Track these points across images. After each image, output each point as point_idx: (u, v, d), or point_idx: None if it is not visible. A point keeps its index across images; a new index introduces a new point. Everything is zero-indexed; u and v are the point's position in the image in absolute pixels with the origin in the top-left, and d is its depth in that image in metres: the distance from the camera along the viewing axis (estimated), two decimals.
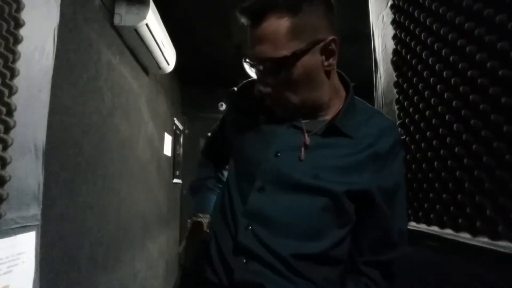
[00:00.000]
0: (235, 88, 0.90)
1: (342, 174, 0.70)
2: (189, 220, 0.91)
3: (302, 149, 0.72)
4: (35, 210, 0.90)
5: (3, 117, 0.76)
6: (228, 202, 0.78)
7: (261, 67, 0.69)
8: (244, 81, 0.88)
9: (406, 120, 1.12)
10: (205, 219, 0.87)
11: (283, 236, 0.69)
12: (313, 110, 0.75)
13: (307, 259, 0.69)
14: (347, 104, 0.74)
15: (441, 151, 0.93)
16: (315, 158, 0.71)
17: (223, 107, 3.69)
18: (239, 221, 0.72)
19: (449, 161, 0.90)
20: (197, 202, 0.96)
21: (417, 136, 1.06)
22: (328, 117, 0.75)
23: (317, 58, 0.68)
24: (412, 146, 1.09)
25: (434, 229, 0.97)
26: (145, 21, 1.66)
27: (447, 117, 0.90)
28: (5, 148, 0.77)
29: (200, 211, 0.90)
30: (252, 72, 0.74)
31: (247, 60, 0.70)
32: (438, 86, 0.94)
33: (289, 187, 0.71)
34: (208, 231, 0.84)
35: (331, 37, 0.67)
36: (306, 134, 0.73)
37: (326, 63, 0.69)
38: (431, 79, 0.97)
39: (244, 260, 0.70)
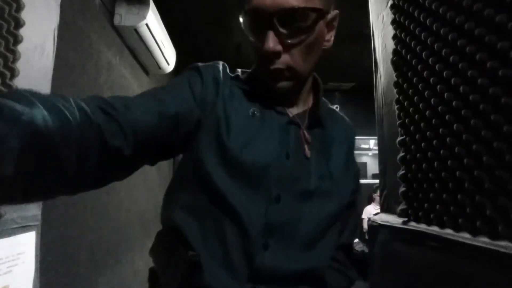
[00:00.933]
0: (219, 64, 0.72)
1: (345, 174, 0.70)
2: None
3: (306, 146, 0.66)
4: (35, 210, 0.90)
5: None
6: (223, 215, 0.61)
7: (276, 20, 0.58)
8: (215, 63, 0.72)
9: (406, 120, 1.12)
10: None
11: (299, 251, 0.62)
12: (300, 93, 0.71)
13: (318, 269, 0.65)
14: (319, 97, 0.73)
15: (441, 151, 0.93)
16: (317, 157, 0.68)
17: None
18: (252, 240, 0.59)
19: (449, 161, 0.90)
20: None
21: (417, 136, 1.06)
22: (304, 108, 0.72)
23: (324, 28, 0.65)
24: (412, 146, 1.08)
25: (434, 229, 0.97)
26: (145, 21, 1.66)
27: (447, 117, 0.90)
28: None
29: None
30: (252, 32, 0.63)
31: (259, 11, 0.58)
32: (438, 86, 0.94)
33: (304, 193, 0.64)
34: None
35: (337, 11, 0.67)
36: (304, 130, 0.68)
37: (326, 37, 0.67)
38: (431, 79, 0.97)
39: None
